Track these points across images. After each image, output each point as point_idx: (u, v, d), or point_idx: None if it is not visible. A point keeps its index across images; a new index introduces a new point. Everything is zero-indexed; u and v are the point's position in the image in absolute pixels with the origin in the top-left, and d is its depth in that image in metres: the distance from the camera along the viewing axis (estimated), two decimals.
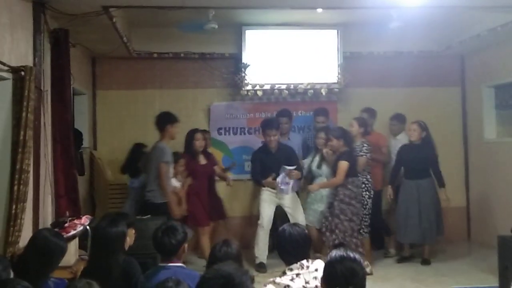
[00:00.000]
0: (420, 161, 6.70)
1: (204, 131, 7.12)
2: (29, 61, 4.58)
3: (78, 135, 6.59)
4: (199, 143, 6.67)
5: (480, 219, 8.19)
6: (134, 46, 7.45)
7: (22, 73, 4.17)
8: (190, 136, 6.73)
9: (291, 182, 6.54)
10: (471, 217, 8.45)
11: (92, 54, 7.59)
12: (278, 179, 6.51)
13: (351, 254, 2.57)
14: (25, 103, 4.12)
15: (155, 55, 7.76)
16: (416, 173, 6.72)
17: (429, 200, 6.66)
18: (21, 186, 4.07)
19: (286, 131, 7.45)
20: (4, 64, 3.89)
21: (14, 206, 4.01)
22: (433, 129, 8.30)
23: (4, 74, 4.06)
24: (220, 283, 1.74)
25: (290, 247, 3.25)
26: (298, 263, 3.17)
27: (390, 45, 7.94)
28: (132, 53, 7.44)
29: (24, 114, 4.11)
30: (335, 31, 7.76)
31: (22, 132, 4.07)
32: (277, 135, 6.80)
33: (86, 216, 4.47)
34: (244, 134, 8.10)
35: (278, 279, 3.13)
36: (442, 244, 7.43)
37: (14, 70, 4.14)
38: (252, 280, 2.05)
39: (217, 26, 6.53)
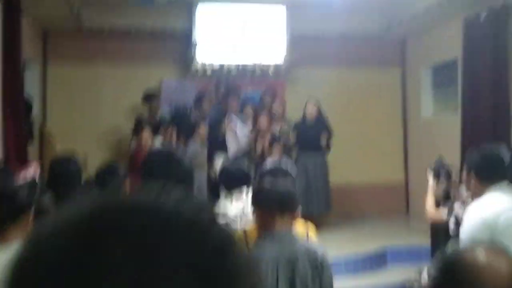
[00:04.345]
0: (314, 138, 7.14)
1: None
2: None
3: (28, 105, 6.63)
4: None
5: (418, 194, 8.60)
6: (85, 21, 7.54)
7: None
8: None
9: None
10: (409, 192, 8.88)
11: (43, 28, 7.65)
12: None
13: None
14: None
15: (106, 30, 7.88)
16: (309, 147, 7.15)
17: (318, 175, 7.11)
18: None
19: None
20: None
21: None
22: (375, 109, 8.80)
23: None
24: (165, 155, 1.98)
25: (231, 178, 3.49)
26: (238, 189, 3.40)
27: (335, 26, 8.26)
28: (83, 28, 7.55)
29: None
30: (284, 6, 8.07)
31: None
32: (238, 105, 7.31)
33: (35, 164, 4.59)
34: None
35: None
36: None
37: None
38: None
39: None
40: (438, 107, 8.36)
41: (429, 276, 4.03)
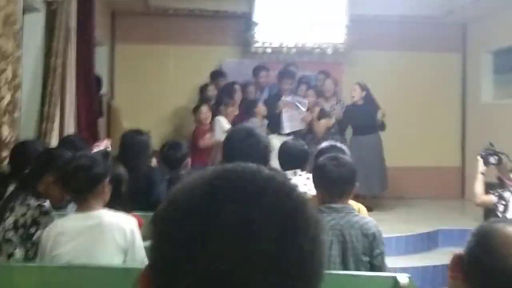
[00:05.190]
0: (364, 118, 7.17)
1: None
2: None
3: (98, 80, 7.03)
4: None
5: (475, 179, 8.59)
6: (151, 2, 7.87)
7: (54, 6, 4.63)
8: None
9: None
10: (466, 177, 8.86)
11: (112, 10, 8.04)
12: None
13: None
14: (56, 33, 4.59)
15: (171, 11, 8.18)
16: (361, 130, 7.22)
17: (373, 155, 7.16)
18: (51, 107, 4.55)
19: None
20: None
21: (44, 125, 4.50)
22: (434, 93, 8.78)
23: (39, 6, 4.52)
24: (245, 131, 2.23)
25: (288, 156, 3.70)
26: (292, 170, 3.61)
27: (396, 8, 8.24)
28: (150, 8, 7.88)
29: (55, 43, 4.60)
30: None
31: (53, 59, 4.56)
32: (293, 84, 7.41)
33: (107, 139, 4.95)
34: None
35: None
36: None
37: (48, 4, 4.60)
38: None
39: None
40: (498, 93, 8.28)
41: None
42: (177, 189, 0.78)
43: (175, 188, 0.78)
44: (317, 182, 2.80)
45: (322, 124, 7.09)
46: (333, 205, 2.65)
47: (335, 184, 2.70)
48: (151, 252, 0.76)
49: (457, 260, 1.51)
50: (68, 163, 2.55)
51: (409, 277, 2.33)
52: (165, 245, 0.73)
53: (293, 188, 0.78)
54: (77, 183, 2.49)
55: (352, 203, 3.01)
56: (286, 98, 7.15)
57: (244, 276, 0.68)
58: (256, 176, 0.76)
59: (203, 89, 7.48)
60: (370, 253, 2.58)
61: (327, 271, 2.38)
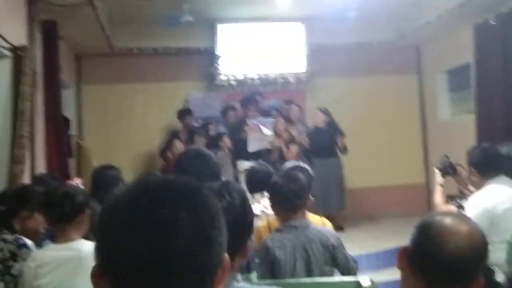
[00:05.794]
0: (327, 142, 7.45)
1: None
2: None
3: (66, 121, 7.14)
4: None
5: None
6: (116, 43, 8.05)
7: (20, 52, 4.77)
8: None
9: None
10: (430, 192, 9.12)
11: (76, 52, 8.20)
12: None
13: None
14: (23, 78, 4.72)
15: (136, 51, 8.37)
16: (323, 153, 7.43)
17: (333, 177, 7.41)
18: (21, 150, 4.65)
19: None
20: (6, 41, 4.49)
21: (15, 167, 4.59)
22: (394, 114, 9.11)
23: (5, 52, 4.65)
24: (194, 152, 2.39)
25: (255, 180, 3.87)
26: (260, 193, 3.78)
27: (351, 36, 8.61)
28: (114, 49, 8.06)
29: (22, 87, 4.71)
30: (301, 24, 8.49)
31: (20, 103, 4.67)
32: (256, 112, 7.72)
33: (79, 178, 5.05)
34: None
35: None
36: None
37: (13, 49, 4.74)
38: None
39: (192, 19, 7.22)
40: (454, 110, 8.65)
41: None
42: (119, 190, 1.03)
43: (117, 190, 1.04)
44: (271, 199, 2.99)
45: (293, 151, 7.28)
46: (292, 223, 2.84)
47: (285, 198, 2.87)
48: (96, 247, 0.99)
49: (403, 251, 1.70)
50: (51, 192, 2.66)
51: (371, 280, 2.50)
52: (107, 234, 0.98)
53: (199, 184, 1.05)
54: (62, 210, 2.60)
55: (315, 218, 3.19)
56: (251, 121, 7.39)
57: (171, 235, 0.94)
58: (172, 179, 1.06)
59: (174, 134, 7.67)
60: (334, 261, 2.76)
61: (294, 281, 2.53)
